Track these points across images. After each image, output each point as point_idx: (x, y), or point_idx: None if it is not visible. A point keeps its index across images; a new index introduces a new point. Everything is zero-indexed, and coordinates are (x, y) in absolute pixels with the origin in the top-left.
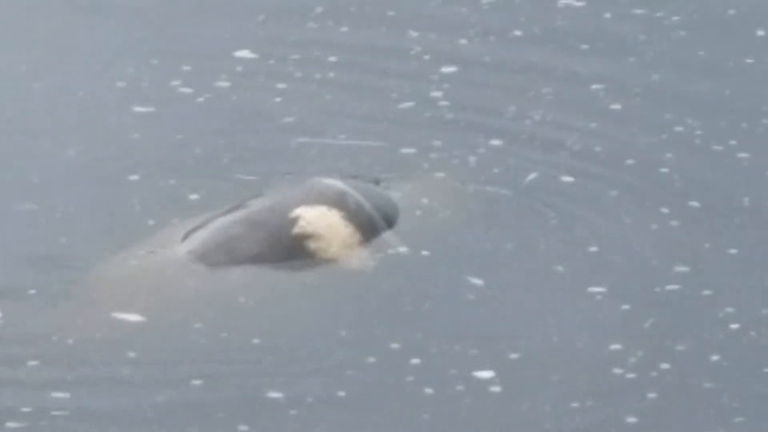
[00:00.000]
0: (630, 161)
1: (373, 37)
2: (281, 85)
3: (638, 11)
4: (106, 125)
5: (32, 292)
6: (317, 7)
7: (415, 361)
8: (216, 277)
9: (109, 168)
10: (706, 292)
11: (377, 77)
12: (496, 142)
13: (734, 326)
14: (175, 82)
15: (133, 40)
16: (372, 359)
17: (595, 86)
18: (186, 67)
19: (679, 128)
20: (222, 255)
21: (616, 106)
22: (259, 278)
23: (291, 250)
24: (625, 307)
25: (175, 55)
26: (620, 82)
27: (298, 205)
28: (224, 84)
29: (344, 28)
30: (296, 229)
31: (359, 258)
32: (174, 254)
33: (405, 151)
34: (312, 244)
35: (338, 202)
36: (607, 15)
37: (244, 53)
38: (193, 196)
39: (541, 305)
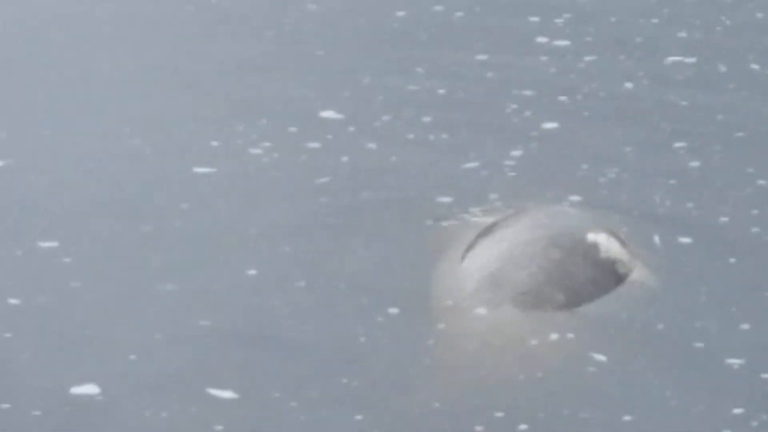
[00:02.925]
0: None
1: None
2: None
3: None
4: (245, 196)
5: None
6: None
7: None
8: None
9: (256, 242)
10: None
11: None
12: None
13: None
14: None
15: (238, 99)
16: None
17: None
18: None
19: None
20: (559, 292)
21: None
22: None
23: (607, 275)
24: None
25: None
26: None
27: (583, 231)
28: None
29: (441, 90)
30: (604, 254)
31: (650, 276)
32: (500, 300)
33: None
34: (620, 269)
35: (610, 228)
36: (723, 68)
37: (329, 113)
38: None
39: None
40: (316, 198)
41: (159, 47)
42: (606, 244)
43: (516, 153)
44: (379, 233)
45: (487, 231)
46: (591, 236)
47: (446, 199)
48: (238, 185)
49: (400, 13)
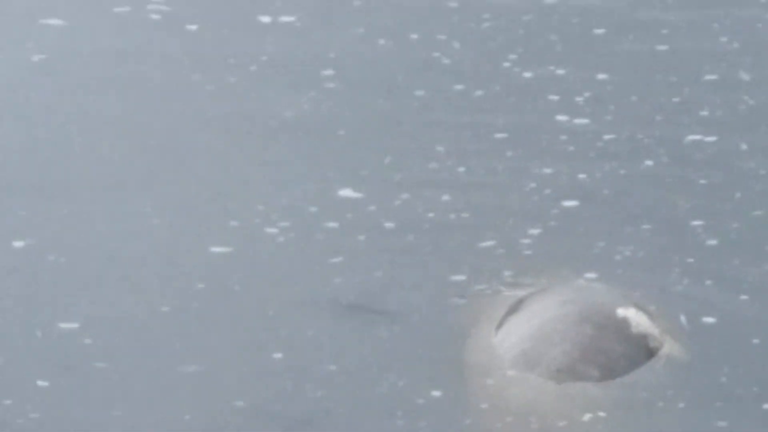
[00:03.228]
0: None
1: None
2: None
3: None
4: (260, 276)
5: None
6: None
7: None
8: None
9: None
10: None
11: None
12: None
13: None
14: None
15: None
16: None
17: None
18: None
19: None
20: (594, 369)
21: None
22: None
23: (639, 350)
24: None
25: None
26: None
27: (612, 306)
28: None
29: (461, 169)
30: (635, 329)
31: (678, 349)
32: (536, 377)
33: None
34: (651, 343)
35: (638, 303)
36: (744, 146)
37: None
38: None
39: None
40: (331, 278)
41: (177, 129)
42: (636, 318)
43: (534, 231)
44: (401, 312)
45: (515, 307)
46: (621, 311)
47: (461, 278)
48: (254, 265)
49: (419, 92)
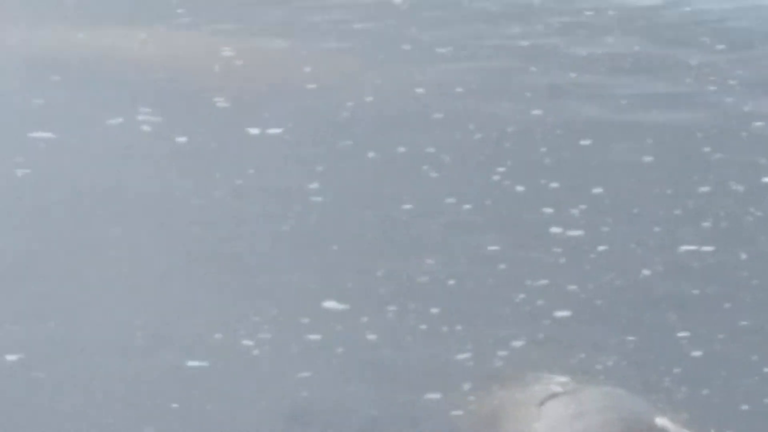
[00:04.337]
0: None
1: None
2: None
3: None
4: (231, 392)
5: None
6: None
7: None
8: None
9: None
10: None
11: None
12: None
13: None
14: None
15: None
16: None
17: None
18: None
19: None
20: None
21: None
22: None
23: None
24: None
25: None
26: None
27: (648, 415)
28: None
29: (451, 282)
30: None
31: None
32: None
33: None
34: None
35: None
36: (743, 256)
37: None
38: None
39: None
40: (298, 393)
41: (162, 238)
42: (673, 428)
43: (517, 343)
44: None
45: (542, 415)
46: (659, 420)
47: (434, 396)
48: (227, 381)
49: (408, 206)
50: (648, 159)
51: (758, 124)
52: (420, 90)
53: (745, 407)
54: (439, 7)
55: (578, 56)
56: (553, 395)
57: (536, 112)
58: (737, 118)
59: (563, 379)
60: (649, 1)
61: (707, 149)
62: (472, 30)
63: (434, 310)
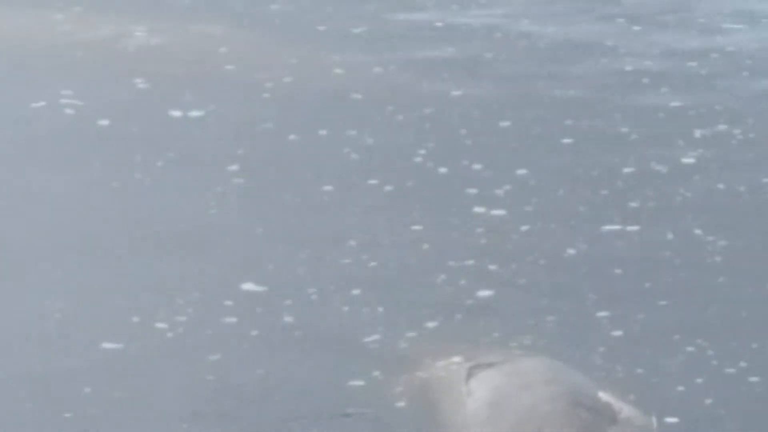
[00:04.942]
0: None
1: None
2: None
3: None
4: (142, 377)
5: None
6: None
7: None
8: None
9: None
10: None
11: None
12: None
13: None
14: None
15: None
16: None
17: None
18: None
19: None
20: None
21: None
22: None
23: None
24: None
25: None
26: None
27: (589, 388)
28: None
29: (373, 263)
30: (620, 414)
31: None
32: None
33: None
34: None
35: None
36: (670, 236)
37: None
38: None
39: None
40: (208, 374)
41: (81, 221)
42: (616, 403)
43: (440, 322)
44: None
45: (481, 386)
46: (602, 394)
47: (358, 383)
48: (139, 364)
49: (328, 188)
50: (567, 141)
51: (674, 104)
52: (338, 71)
53: (680, 388)
54: None
55: (494, 36)
56: (492, 365)
57: (455, 92)
58: (653, 98)
59: (494, 352)
60: None
61: (624, 130)
62: (388, 11)
63: (356, 292)
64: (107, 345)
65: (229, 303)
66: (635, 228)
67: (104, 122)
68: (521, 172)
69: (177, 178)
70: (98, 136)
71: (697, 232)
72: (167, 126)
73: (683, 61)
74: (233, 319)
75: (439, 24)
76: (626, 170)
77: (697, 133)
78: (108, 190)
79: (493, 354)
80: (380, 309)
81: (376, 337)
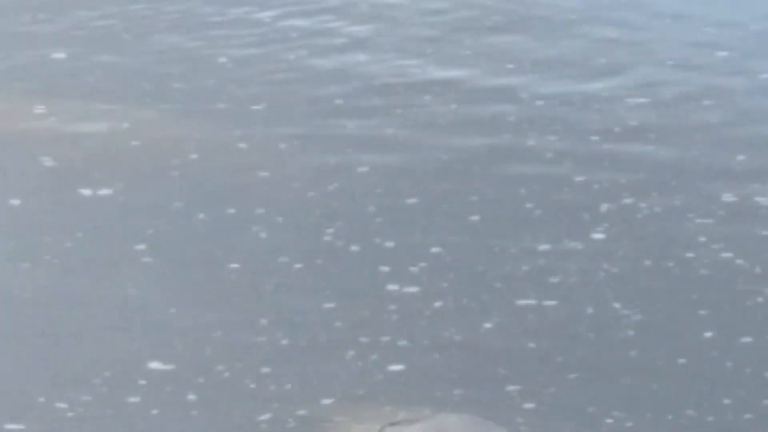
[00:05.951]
0: None
1: None
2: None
3: None
4: None
5: None
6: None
7: None
8: None
9: None
10: None
11: None
12: None
13: None
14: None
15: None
16: None
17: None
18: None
19: None
20: None
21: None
22: None
23: None
24: None
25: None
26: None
27: None
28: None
29: (285, 341)
30: None
31: None
32: None
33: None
34: None
35: None
36: (589, 311)
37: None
38: None
39: None
40: None
41: None
42: None
43: (350, 396)
44: None
45: None
46: None
47: None
48: None
49: (236, 266)
50: (475, 218)
51: (579, 179)
52: (242, 145)
53: None
54: (259, 65)
55: (394, 111)
56: (414, 421)
57: (361, 169)
58: (559, 171)
59: (416, 411)
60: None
61: (529, 206)
62: (289, 88)
63: (265, 370)
64: (10, 426)
65: (133, 382)
66: (553, 303)
67: (15, 202)
68: (435, 249)
69: (85, 259)
70: (9, 216)
71: (616, 305)
72: (78, 205)
73: (587, 135)
74: (136, 399)
75: (339, 102)
76: (542, 247)
77: (604, 207)
78: (16, 271)
79: (416, 413)
80: (288, 386)
81: (277, 415)
